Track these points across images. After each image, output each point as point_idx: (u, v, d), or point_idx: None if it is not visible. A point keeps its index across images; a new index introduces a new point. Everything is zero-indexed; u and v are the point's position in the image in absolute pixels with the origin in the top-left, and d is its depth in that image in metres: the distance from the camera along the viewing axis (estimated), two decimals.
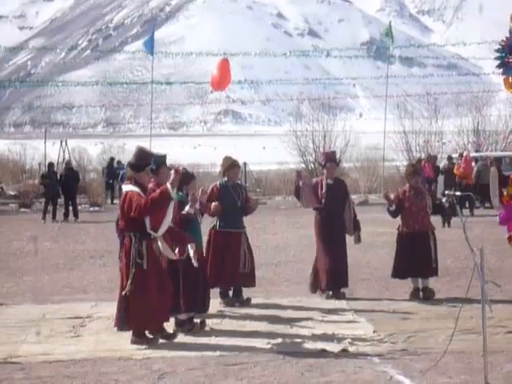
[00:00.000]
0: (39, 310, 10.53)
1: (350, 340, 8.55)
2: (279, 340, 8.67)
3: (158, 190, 8.43)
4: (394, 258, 11.39)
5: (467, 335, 8.42)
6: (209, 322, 9.40)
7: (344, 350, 8.14)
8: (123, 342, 8.49)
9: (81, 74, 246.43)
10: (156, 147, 34.78)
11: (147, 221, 8.35)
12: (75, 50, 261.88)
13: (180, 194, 9.30)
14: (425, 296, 11.03)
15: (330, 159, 11.77)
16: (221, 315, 9.97)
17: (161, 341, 8.54)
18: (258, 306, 10.64)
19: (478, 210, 25.87)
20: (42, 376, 7.38)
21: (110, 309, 9.32)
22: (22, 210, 31.22)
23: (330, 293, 11.23)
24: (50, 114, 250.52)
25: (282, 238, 19.41)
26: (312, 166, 38.34)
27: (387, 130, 37.10)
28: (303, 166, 39.35)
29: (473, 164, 28.72)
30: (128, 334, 8.54)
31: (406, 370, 7.37)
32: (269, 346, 8.41)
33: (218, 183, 11.01)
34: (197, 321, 9.20)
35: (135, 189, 8.46)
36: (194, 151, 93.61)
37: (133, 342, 8.46)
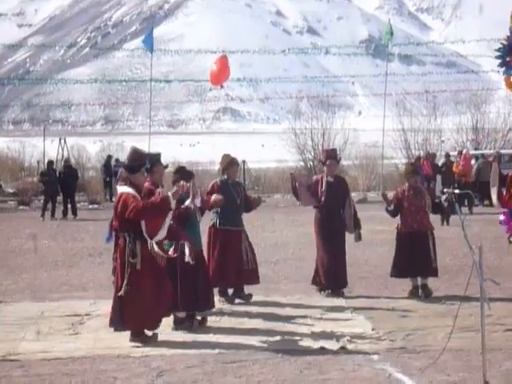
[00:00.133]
0: (38, 308, 10.54)
1: (348, 338, 8.55)
2: (278, 338, 8.67)
3: (159, 196, 8.43)
4: (394, 257, 11.39)
5: (466, 333, 8.42)
6: (208, 319, 9.41)
7: (343, 348, 8.15)
8: (122, 340, 8.49)
9: (80, 71, 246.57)
10: (155, 145, 34.87)
11: (143, 226, 8.34)
12: (74, 48, 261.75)
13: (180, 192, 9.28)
14: (424, 294, 11.03)
15: (331, 157, 11.72)
16: (220, 313, 9.97)
17: (160, 339, 8.54)
18: (256, 303, 10.65)
19: (476, 208, 25.87)
20: (41, 373, 7.38)
21: (109, 307, 9.29)
22: (21, 207, 31.23)
23: (329, 291, 11.24)
24: (48, 112, 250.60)
25: (280, 236, 19.40)
26: (311, 163, 38.34)
27: (386, 127, 37.07)
28: (302, 163, 39.36)
29: (472, 162, 28.72)
30: (127, 332, 8.54)
31: (405, 368, 7.37)
32: (267, 344, 8.41)
33: (218, 180, 11.02)
34: (198, 318, 9.21)
35: (130, 190, 8.45)
36: (193, 149, 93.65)
37: (131, 341, 8.46)
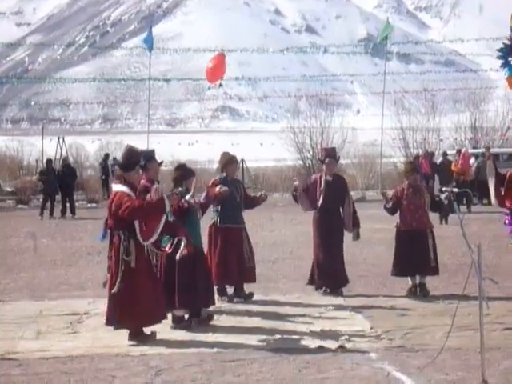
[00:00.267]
0: (36, 307, 10.53)
1: (347, 336, 8.55)
2: (277, 336, 8.67)
3: (154, 198, 8.44)
4: (394, 256, 11.37)
5: (464, 332, 8.42)
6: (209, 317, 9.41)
7: (341, 347, 8.14)
8: (120, 339, 8.48)
9: (78, 70, 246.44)
10: (153, 144, 34.83)
11: (137, 228, 8.34)
12: (73, 47, 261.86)
13: (180, 189, 9.28)
14: (422, 293, 11.02)
15: (330, 155, 11.68)
16: (218, 312, 9.96)
17: (158, 337, 8.54)
18: (255, 302, 10.64)
19: (475, 207, 25.87)
20: (40, 372, 7.38)
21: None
22: (20, 206, 31.21)
23: (328, 289, 11.23)
24: (47, 111, 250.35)
25: (279, 235, 19.40)
26: (309, 162, 38.32)
27: (384, 126, 37.07)
28: (300, 162, 39.34)
29: (471, 161, 28.71)
30: (125, 331, 8.53)
31: (403, 367, 7.36)
32: (266, 343, 8.41)
33: (218, 178, 11.01)
34: (204, 315, 9.23)
35: (125, 189, 8.46)
36: (192, 148, 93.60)
37: (130, 340, 8.46)
